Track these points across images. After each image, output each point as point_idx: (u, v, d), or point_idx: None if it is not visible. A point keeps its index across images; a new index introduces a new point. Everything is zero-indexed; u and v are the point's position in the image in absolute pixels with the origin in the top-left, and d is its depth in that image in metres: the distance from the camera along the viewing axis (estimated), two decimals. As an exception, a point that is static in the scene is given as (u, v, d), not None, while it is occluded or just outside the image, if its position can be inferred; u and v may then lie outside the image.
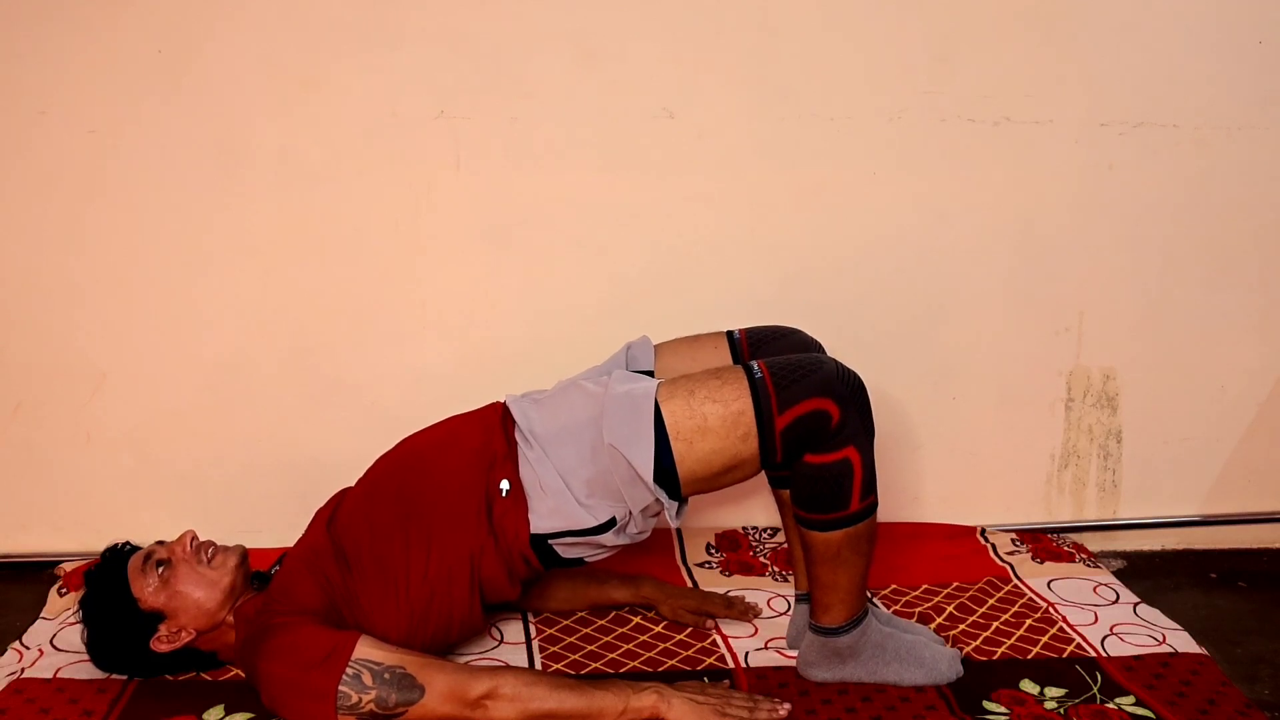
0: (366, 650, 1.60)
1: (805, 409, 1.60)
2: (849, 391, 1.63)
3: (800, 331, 1.91)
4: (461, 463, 1.74)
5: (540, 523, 1.69)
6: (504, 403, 1.82)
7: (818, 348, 1.90)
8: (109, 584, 1.75)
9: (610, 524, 1.69)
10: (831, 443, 1.62)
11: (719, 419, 1.62)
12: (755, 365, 1.66)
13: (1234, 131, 2.29)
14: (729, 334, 1.91)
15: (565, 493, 1.68)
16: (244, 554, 1.80)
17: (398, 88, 2.18)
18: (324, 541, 1.76)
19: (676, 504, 1.68)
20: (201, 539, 1.79)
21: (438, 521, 1.71)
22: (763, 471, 1.71)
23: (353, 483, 1.88)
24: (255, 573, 1.82)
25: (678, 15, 2.19)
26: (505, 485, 1.70)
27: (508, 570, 1.72)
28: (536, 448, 1.71)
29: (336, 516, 1.80)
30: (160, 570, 1.74)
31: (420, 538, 1.71)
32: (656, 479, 1.64)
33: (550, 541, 1.70)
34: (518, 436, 1.74)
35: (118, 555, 1.79)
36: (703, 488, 1.68)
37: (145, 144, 2.17)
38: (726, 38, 2.20)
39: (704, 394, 1.64)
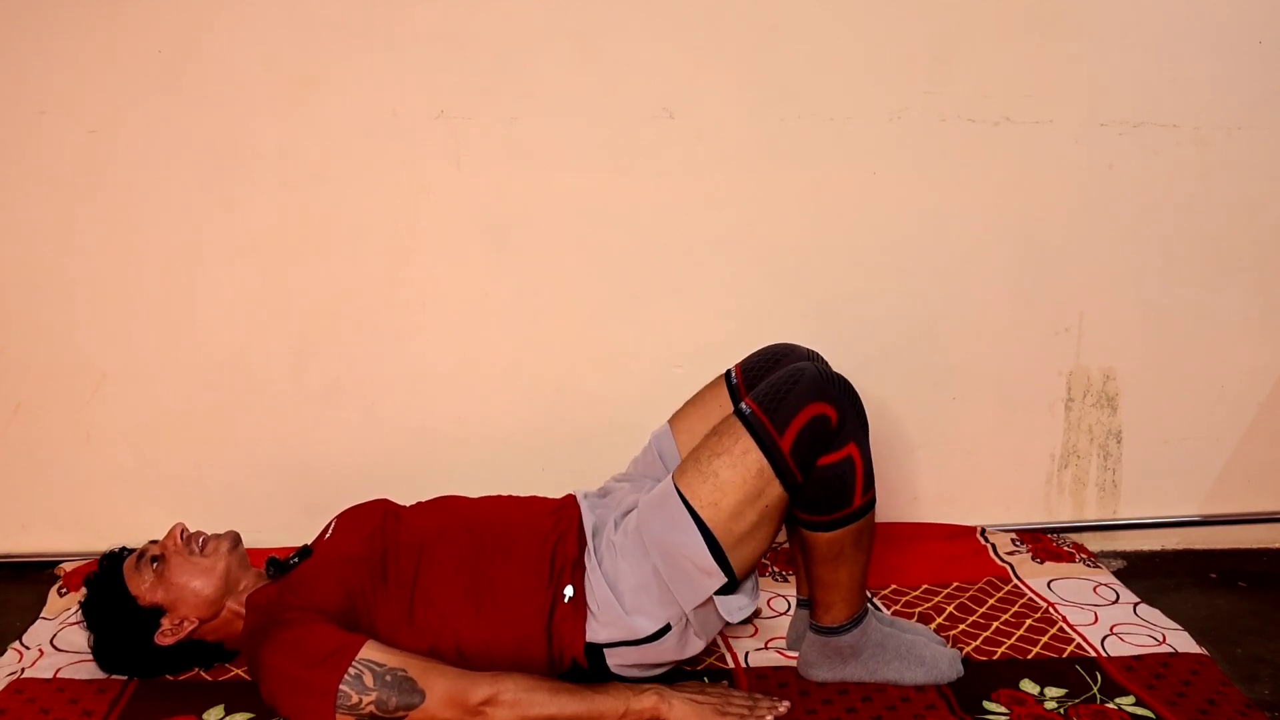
0: (371, 652, 1.59)
1: (803, 419, 1.61)
2: (837, 390, 1.64)
3: (797, 348, 1.90)
4: (538, 558, 1.73)
5: (597, 632, 1.69)
6: (576, 500, 1.84)
7: (817, 361, 1.90)
8: (106, 586, 1.76)
9: (664, 631, 1.69)
10: (835, 442, 1.63)
11: (729, 467, 1.63)
12: (743, 405, 1.67)
13: (1234, 131, 2.29)
14: (726, 376, 1.91)
15: (615, 605, 1.68)
16: (236, 538, 1.81)
17: (398, 88, 2.17)
18: (363, 552, 1.75)
19: (732, 590, 1.67)
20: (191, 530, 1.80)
21: (500, 603, 1.71)
22: None
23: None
24: (272, 560, 1.81)
25: (678, 15, 2.18)
26: (569, 591, 1.71)
27: (550, 664, 1.72)
28: (593, 557, 1.72)
29: (386, 534, 1.79)
30: (154, 565, 1.75)
31: (472, 606, 1.71)
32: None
33: (605, 650, 1.70)
34: (589, 543, 1.75)
35: (113, 558, 1.80)
36: (751, 552, 1.66)
37: (145, 144, 2.17)
38: (726, 38, 2.20)
39: (708, 454, 1.66)
